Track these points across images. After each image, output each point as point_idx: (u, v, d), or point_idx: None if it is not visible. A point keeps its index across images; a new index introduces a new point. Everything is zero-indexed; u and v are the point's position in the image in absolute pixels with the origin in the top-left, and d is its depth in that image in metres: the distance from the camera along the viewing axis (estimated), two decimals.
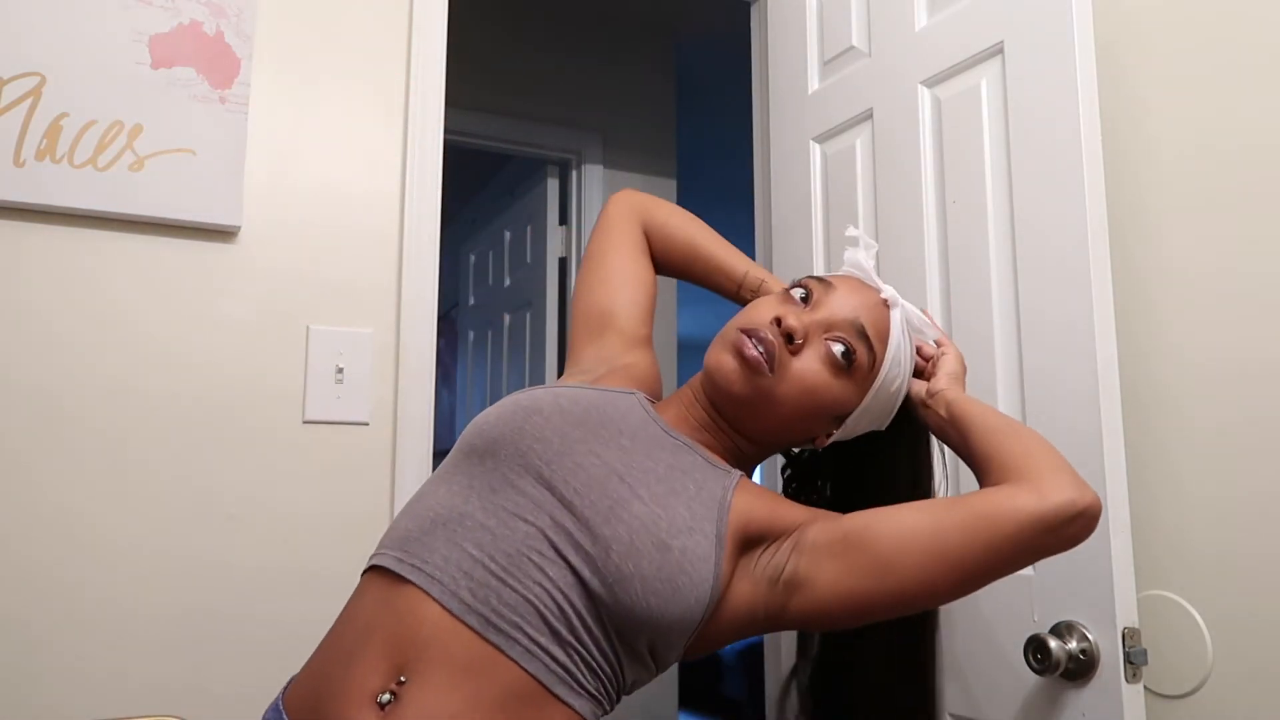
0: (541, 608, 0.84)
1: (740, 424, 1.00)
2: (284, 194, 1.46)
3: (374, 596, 0.88)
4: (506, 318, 3.12)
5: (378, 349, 1.48)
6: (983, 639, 1.25)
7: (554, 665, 0.84)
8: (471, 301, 3.46)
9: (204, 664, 1.31)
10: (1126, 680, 1.09)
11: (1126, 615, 1.11)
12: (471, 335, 3.44)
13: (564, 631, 0.84)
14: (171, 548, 1.32)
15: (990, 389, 1.29)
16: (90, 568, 1.28)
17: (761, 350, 0.93)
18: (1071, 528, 0.86)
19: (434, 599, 0.84)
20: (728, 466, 0.97)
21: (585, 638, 0.85)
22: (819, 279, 1.02)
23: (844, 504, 0.96)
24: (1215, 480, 1.20)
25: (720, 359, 0.96)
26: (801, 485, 1.16)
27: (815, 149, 1.67)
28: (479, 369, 3.33)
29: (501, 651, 0.82)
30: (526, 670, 0.83)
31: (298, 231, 1.45)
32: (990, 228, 1.32)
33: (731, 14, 2.17)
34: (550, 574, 0.85)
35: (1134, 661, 1.09)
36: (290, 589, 1.37)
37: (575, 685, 0.85)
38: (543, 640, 0.84)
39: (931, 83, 1.44)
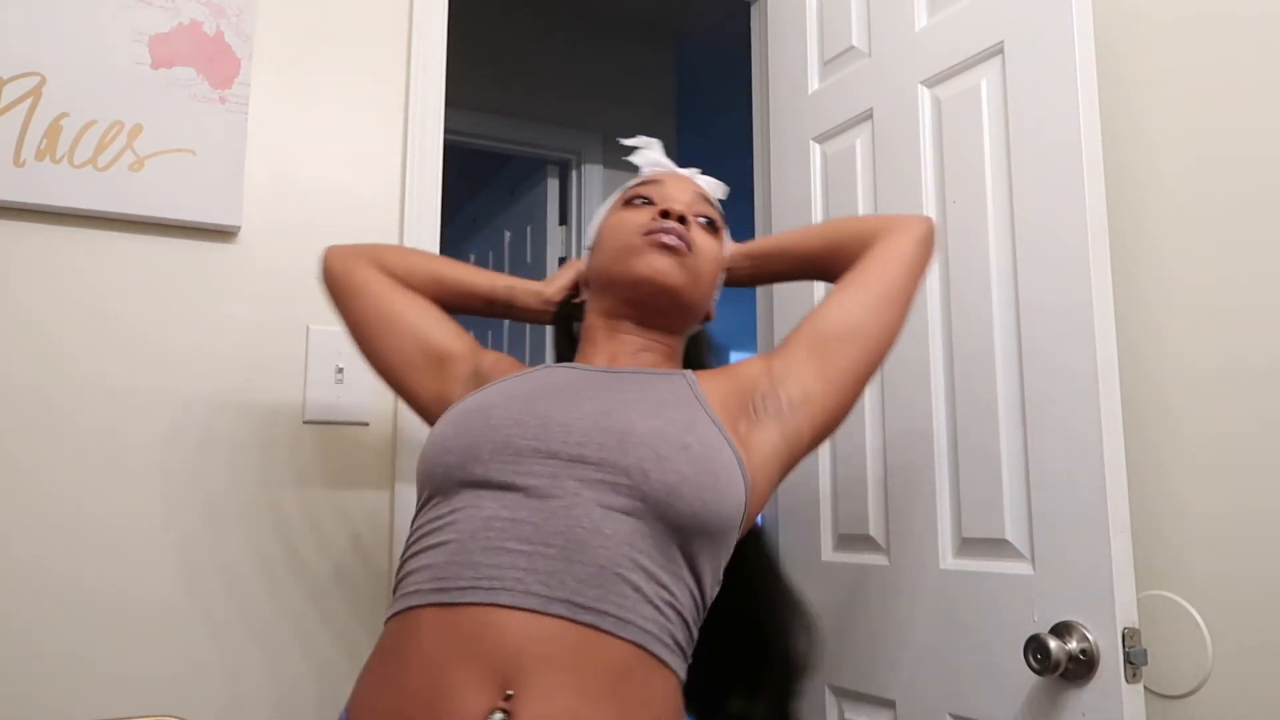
0: (616, 569, 0.82)
1: (670, 319, 1.06)
2: (284, 194, 1.46)
3: (431, 634, 0.83)
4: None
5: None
6: (983, 639, 1.25)
7: (648, 625, 0.83)
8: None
9: (204, 665, 1.31)
10: (1126, 680, 1.09)
11: (1126, 615, 1.11)
12: (472, 333, 3.43)
13: (644, 585, 0.84)
14: (171, 548, 1.32)
15: (990, 387, 1.29)
16: (88, 567, 1.28)
17: (675, 237, 1.02)
18: (933, 239, 1.13)
19: (507, 607, 0.81)
20: (679, 371, 1.04)
21: (664, 578, 0.85)
22: (643, 183, 1.12)
23: None
24: (1215, 481, 1.20)
25: (648, 263, 1.01)
26: None
27: (815, 149, 1.67)
28: None
29: (599, 629, 0.81)
30: (627, 639, 0.82)
31: (298, 231, 1.45)
32: (990, 228, 1.32)
33: (731, 14, 2.17)
34: (606, 530, 0.84)
35: (1134, 661, 1.09)
36: (290, 589, 1.37)
37: (670, 642, 0.86)
38: (630, 602, 0.82)
39: (931, 83, 1.44)
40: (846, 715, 1.48)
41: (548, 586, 0.81)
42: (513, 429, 0.90)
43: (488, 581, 0.82)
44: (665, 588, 0.85)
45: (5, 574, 1.24)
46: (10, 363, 1.27)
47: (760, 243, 1.19)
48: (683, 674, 0.89)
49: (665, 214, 1.03)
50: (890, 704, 1.39)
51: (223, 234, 1.41)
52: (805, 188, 1.67)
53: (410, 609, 0.86)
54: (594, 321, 1.09)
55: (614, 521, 0.84)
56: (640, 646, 0.83)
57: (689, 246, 1.03)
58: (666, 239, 1.01)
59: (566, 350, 1.19)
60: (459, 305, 1.18)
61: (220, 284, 1.40)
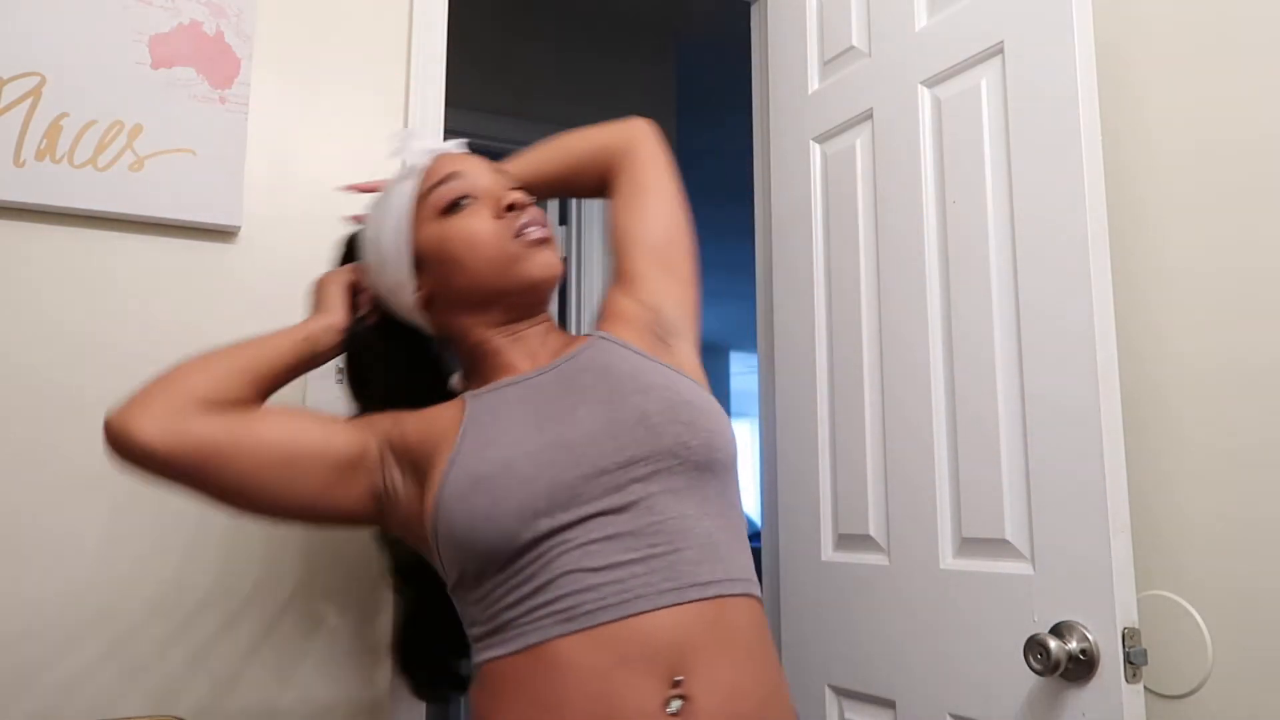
0: (710, 540, 0.91)
1: (539, 307, 1.07)
2: (284, 194, 1.46)
3: (581, 656, 0.85)
4: None
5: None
6: (983, 639, 1.25)
7: (747, 571, 0.95)
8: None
9: (203, 664, 1.31)
10: (1126, 680, 1.09)
11: (1126, 615, 1.11)
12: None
13: (731, 538, 0.94)
14: (172, 548, 1.32)
15: (990, 386, 1.29)
16: (88, 570, 1.28)
17: (538, 226, 1.03)
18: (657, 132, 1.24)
19: (648, 611, 0.86)
20: (589, 335, 1.07)
21: (734, 517, 0.96)
22: (440, 181, 1.04)
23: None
24: (1215, 481, 1.20)
25: (538, 264, 1.02)
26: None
27: (815, 149, 1.67)
28: None
29: (725, 596, 0.89)
30: (745, 595, 0.92)
31: (298, 231, 1.45)
32: (990, 228, 1.32)
33: (731, 14, 2.17)
34: (688, 511, 0.91)
35: (1134, 661, 1.09)
36: (290, 589, 1.37)
37: (757, 575, 0.97)
38: (732, 559, 0.92)
39: (931, 83, 1.44)
40: (846, 715, 1.48)
41: (673, 579, 0.87)
42: (550, 470, 0.90)
43: (616, 596, 0.86)
44: (736, 527, 0.96)
45: (5, 572, 1.24)
46: (10, 363, 1.27)
47: (515, 176, 1.15)
48: None
49: (511, 207, 1.03)
50: (890, 704, 1.39)
51: (223, 234, 1.41)
52: (805, 188, 1.67)
53: (541, 643, 0.87)
54: (483, 336, 1.03)
55: (685, 500, 0.91)
56: (751, 595, 0.94)
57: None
58: (538, 234, 1.02)
59: (414, 373, 1.12)
60: (279, 386, 1.03)
61: (220, 284, 1.40)
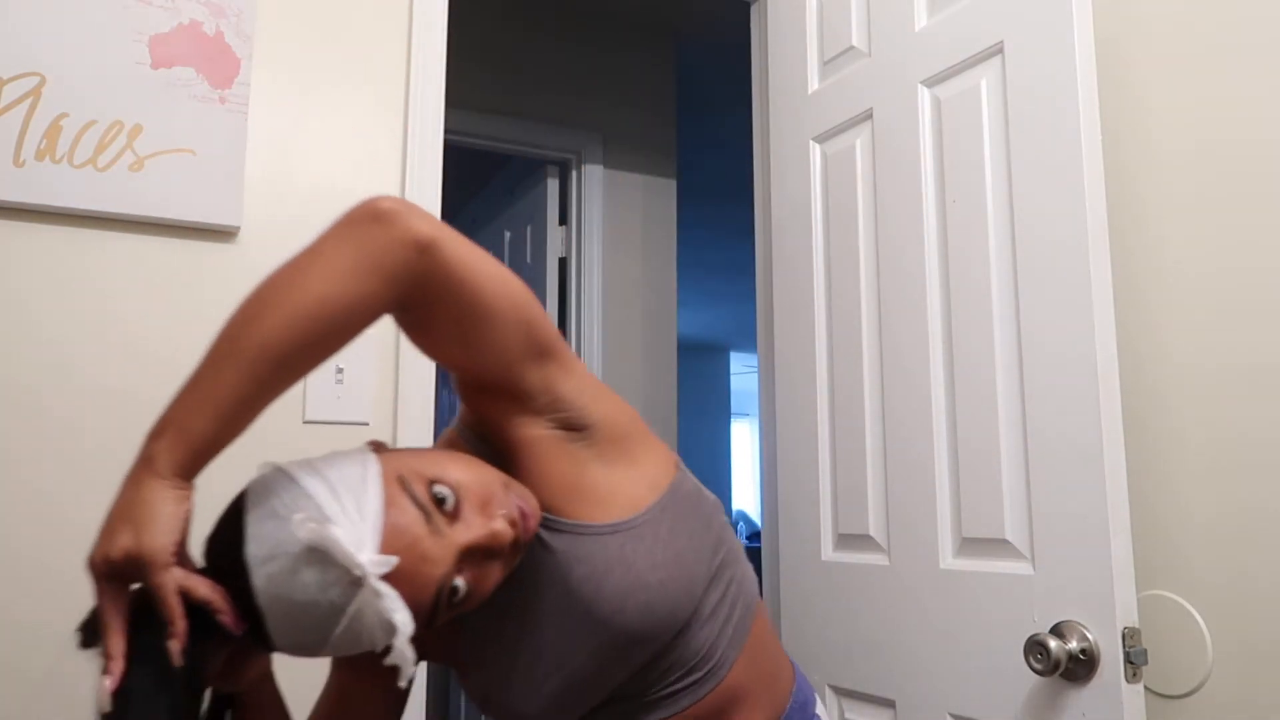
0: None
1: None
2: (284, 194, 1.46)
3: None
4: None
5: (378, 349, 1.48)
6: (983, 639, 1.25)
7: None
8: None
9: None
10: (1126, 680, 1.09)
11: (1126, 615, 1.11)
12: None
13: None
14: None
15: (990, 387, 1.29)
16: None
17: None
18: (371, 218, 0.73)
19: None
20: None
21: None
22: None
23: None
24: (1215, 481, 1.20)
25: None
26: None
27: (815, 149, 1.67)
28: None
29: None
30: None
31: (298, 231, 1.45)
32: (990, 228, 1.32)
33: (731, 14, 2.17)
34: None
35: (1134, 661, 1.09)
36: None
37: (759, 578, 0.94)
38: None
39: (931, 83, 1.44)
40: (847, 715, 1.48)
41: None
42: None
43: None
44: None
45: (5, 572, 1.24)
46: (10, 363, 1.27)
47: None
48: None
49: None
50: (890, 704, 1.39)
51: (223, 234, 1.41)
52: (805, 188, 1.67)
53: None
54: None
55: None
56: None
57: None
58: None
59: None
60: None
61: (220, 284, 1.40)
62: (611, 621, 0.78)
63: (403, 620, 0.66)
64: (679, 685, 0.82)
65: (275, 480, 0.72)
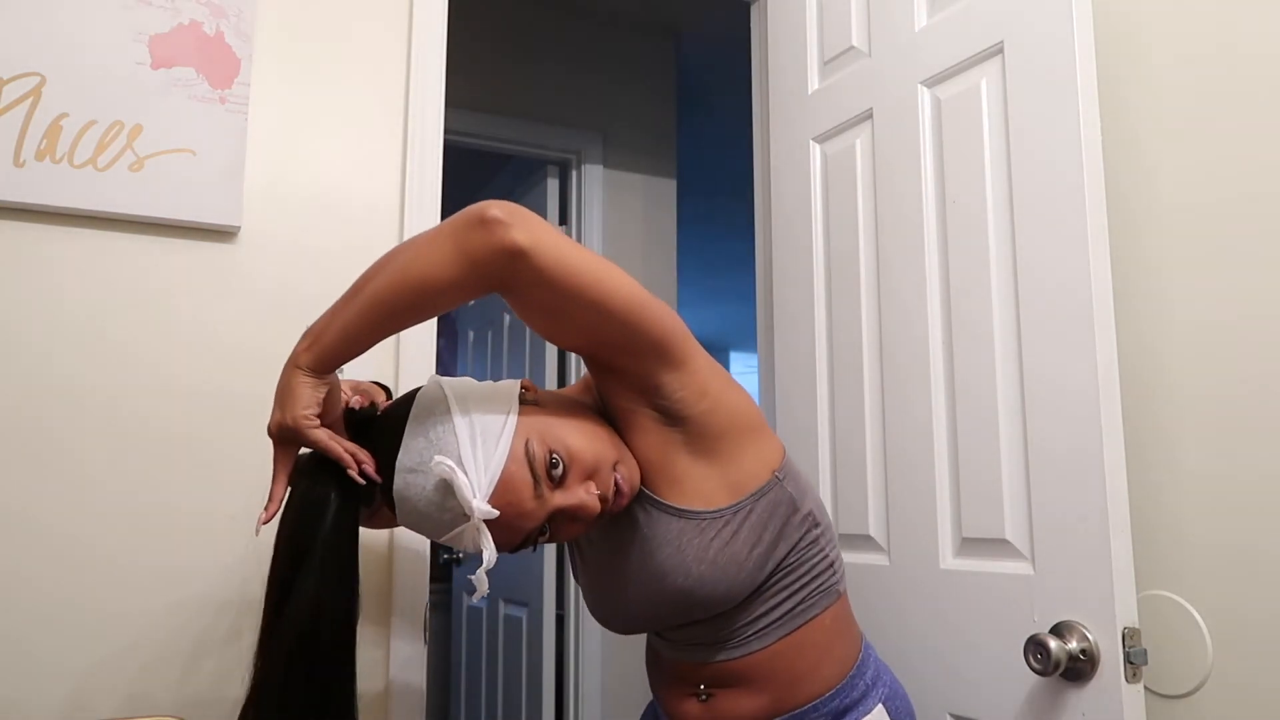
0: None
1: None
2: (284, 194, 1.46)
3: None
4: (506, 318, 3.13)
5: (378, 349, 1.48)
6: (983, 639, 1.25)
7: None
8: (471, 301, 3.45)
9: (201, 666, 1.31)
10: (1126, 680, 1.09)
11: (1126, 615, 1.11)
12: (471, 335, 3.44)
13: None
14: (173, 549, 1.32)
15: (990, 385, 1.29)
16: (88, 573, 1.28)
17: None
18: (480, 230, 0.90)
19: None
20: None
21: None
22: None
23: None
24: (1215, 481, 1.20)
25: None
26: None
27: (815, 149, 1.67)
28: (479, 369, 3.33)
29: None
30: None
31: (297, 232, 1.46)
32: (990, 228, 1.32)
33: (731, 14, 2.17)
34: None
35: (1134, 661, 1.09)
36: None
37: None
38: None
39: (931, 83, 1.44)
40: None
41: None
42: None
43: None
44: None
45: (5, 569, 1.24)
46: (9, 363, 1.28)
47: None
48: None
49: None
50: None
51: (223, 234, 1.41)
52: (805, 188, 1.67)
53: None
54: None
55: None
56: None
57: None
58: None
59: None
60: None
61: (220, 284, 1.40)
62: (652, 585, 0.98)
63: (489, 556, 0.86)
64: (703, 643, 1.02)
65: (436, 406, 0.91)
